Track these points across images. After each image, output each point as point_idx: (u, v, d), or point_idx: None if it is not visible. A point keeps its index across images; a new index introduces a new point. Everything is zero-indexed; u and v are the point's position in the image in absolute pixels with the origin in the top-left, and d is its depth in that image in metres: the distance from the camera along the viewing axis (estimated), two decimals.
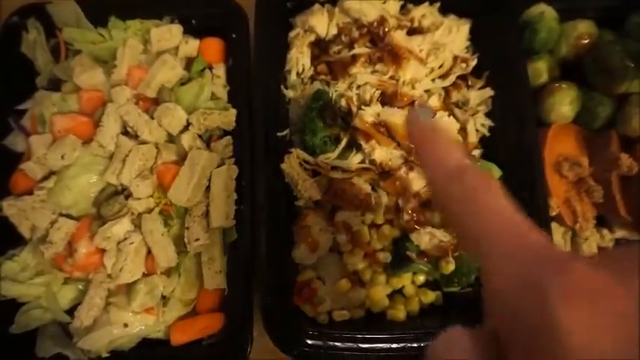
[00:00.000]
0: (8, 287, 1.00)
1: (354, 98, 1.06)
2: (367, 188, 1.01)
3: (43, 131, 1.07)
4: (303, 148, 1.05)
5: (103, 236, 0.99)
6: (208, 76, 1.12)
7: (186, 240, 1.00)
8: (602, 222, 1.12)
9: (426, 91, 1.11)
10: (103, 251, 1.01)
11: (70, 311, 1.00)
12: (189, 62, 1.16)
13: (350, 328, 1.02)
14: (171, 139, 1.08)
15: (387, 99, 1.06)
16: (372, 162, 1.01)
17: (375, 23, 1.10)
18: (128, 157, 1.03)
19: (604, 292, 0.30)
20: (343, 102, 1.05)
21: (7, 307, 1.00)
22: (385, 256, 1.06)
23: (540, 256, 0.35)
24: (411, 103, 1.07)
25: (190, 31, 1.17)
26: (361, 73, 1.06)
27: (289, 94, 1.11)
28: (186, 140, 1.05)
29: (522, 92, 1.07)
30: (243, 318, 0.99)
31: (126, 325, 0.98)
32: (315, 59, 1.13)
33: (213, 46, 1.16)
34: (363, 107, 1.03)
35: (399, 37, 1.07)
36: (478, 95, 1.11)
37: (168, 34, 1.14)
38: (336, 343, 0.95)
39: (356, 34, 1.11)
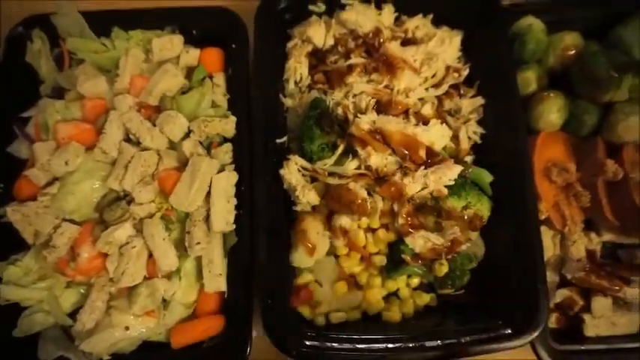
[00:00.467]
0: (11, 291, 1.01)
1: (351, 106, 1.09)
2: (363, 193, 1.04)
3: (47, 138, 1.10)
4: (301, 155, 1.08)
5: (106, 240, 1.01)
6: (209, 84, 1.15)
7: (187, 244, 1.02)
8: (590, 225, 1.16)
9: (420, 99, 1.15)
10: (105, 255, 1.03)
11: (72, 315, 1.01)
12: (190, 71, 1.19)
13: (347, 330, 1.04)
14: (173, 145, 1.11)
15: (382, 107, 1.09)
16: (368, 168, 1.04)
17: (371, 34, 1.14)
18: (130, 163, 1.05)
19: None
20: (340, 110, 1.08)
21: (10, 311, 1.02)
22: (381, 259, 1.09)
23: None
24: (405, 112, 1.11)
25: (191, 41, 1.21)
26: (357, 82, 1.10)
27: (287, 102, 1.15)
28: (187, 147, 1.08)
29: (513, 101, 1.11)
30: (242, 320, 1.01)
31: (127, 328, 1.00)
32: (312, 69, 1.17)
33: (214, 56, 1.19)
34: (359, 115, 1.07)
35: (393, 47, 1.11)
36: (470, 104, 1.15)
37: (169, 44, 1.17)
38: (333, 344, 0.98)
39: (352, 44, 1.15)
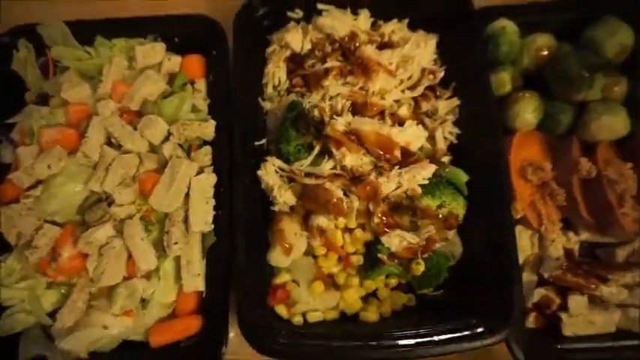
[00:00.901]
0: None
1: (327, 108, 1.11)
2: (339, 193, 1.05)
3: (31, 143, 1.13)
4: (278, 156, 1.10)
5: (86, 241, 1.04)
6: (189, 90, 1.18)
7: (165, 244, 1.04)
8: (568, 225, 1.17)
9: (397, 101, 1.17)
10: (85, 256, 1.05)
11: (53, 314, 1.03)
12: (171, 77, 1.22)
13: (324, 329, 1.05)
14: (153, 149, 1.14)
15: (358, 109, 1.11)
16: (344, 168, 1.06)
17: (347, 38, 1.17)
18: (111, 165, 1.08)
19: None
20: (316, 112, 1.10)
21: None
22: (358, 259, 1.10)
23: None
24: (381, 113, 1.13)
25: (173, 48, 1.24)
26: (333, 85, 1.12)
27: (266, 105, 1.17)
28: (167, 150, 1.10)
29: (487, 101, 1.13)
30: (219, 320, 1.02)
31: (106, 327, 1.01)
32: (290, 73, 1.19)
33: (195, 62, 1.22)
34: (334, 117, 1.09)
35: (369, 50, 1.13)
36: (446, 105, 1.17)
37: (151, 51, 1.20)
38: (307, 342, 0.98)
39: (329, 48, 1.18)
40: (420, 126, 1.13)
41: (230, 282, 1.05)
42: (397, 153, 1.07)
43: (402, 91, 1.16)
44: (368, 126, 1.07)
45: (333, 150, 1.05)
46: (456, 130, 1.16)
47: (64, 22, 1.19)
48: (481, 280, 1.06)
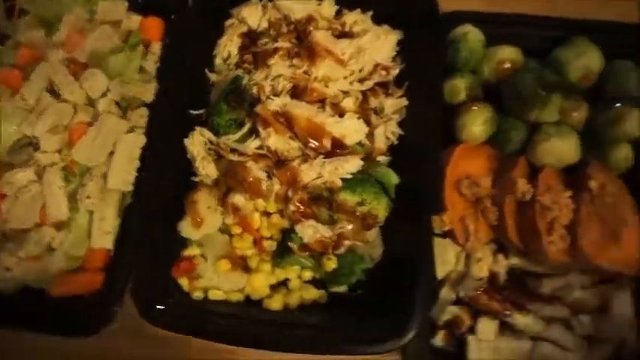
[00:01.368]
0: None
1: (267, 88, 1.09)
2: (259, 173, 1.03)
3: None
4: (210, 129, 1.09)
5: (7, 181, 1.05)
6: (140, 50, 1.18)
7: (78, 196, 1.04)
8: (503, 248, 1.11)
9: (345, 93, 1.13)
10: (3, 196, 1.06)
11: None
12: (129, 37, 1.22)
13: (220, 308, 1.03)
14: (92, 102, 1.14)
15: (299, 93, 1.09)
16: (270, 149, 1.04)
17: (303, 21, 1.14)
18: (45, 111, 1.08)
19: None
20: (255, 89, 1.08)
21: None
22: (270, 244, 1.07)
23: None
24: (322, 101, 1.10)
25: (136, 8, 1.24)
26: (278, 64, 1.10)
27: (212, 77, 1.16)
28: (102, 105, 1.11)
29: (434, 106, 1.09)
30: (121, 279, 1.02)
31: (8, 269, 1.02)
32: (244, 49, 1.17)
33: (154, 25, 1.22)
34: (272, 97, 1.06)
35: (319, 35, 1.10)
36: (394, 104, 1.13)
37: (113, 7, 1.21)
38: (193, 316, 0.97)
39: (285, 29, 1.16)
40: (361, 120, 1.09)
41: (147, 246, 1.04)
42: (327, 143, 1.04)
43: (351, 82, 1.13)
44: (301, 110, 1.04)
45: (260, 129, 1.03)
46: (398, 131, 1.12)
47: None
48: (394, 287, 1.02)
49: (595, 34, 1.12)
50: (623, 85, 1.08)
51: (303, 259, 1.05)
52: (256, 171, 1.03)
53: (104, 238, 1.04)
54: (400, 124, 1.13)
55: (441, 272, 1.09)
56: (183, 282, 1.06)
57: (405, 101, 1.13)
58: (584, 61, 1.08)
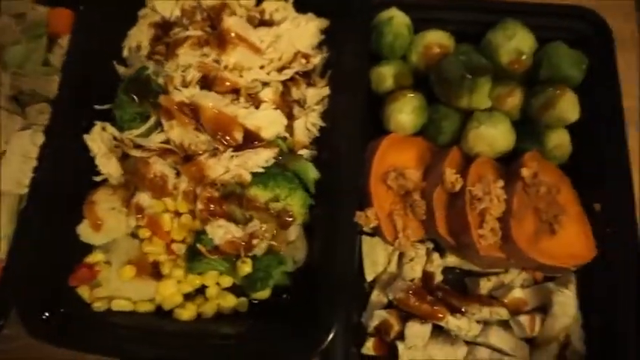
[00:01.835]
0: None
1: (178, 79, 1.01)
2: (164, 170, 0.95)
3: None
4: (113, 124, 1.00)
5: None
6: (42, 42, 1.10)
7: None
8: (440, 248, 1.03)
9: (265, 84, 1.05)
10: None
11: None
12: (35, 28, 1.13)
13: (121, 320, 0.93)
14: None
15: (209, 83, 1.00)
16: (176, 144, 0.95)
17: (216, 8, 1.07)
18: None
19: None
20: (161, 81, 1.00)
21: None
22: (179, 248, 0.98)
23: None
24: (235, 91, 1.02)
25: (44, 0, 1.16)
26: (187, 54, 1.02)
27: (120, 69, 1.08)
28: None
29: (356, 95, 1.01)
30: (7, 291, 0.91)
31: None
32: (157, 40, 1.09)
33: (62, 17, 1.14)
34: (178, 88, 0.98)
35: (231, 22, 1.02)
36: (315, 94, 1.05)
37: None
38: (87, 330, 0.87)
39: (198, 17, 1.08)
40: (278, 111, 1.01)
41: (39, 252, 0.94)
42: (238, 135, 0.96)
43: (268, 72, 1.05)
44: (208, 101, 0.96)
45: (163, 121, 0.95)
46: (319, 123, 1.04)
47: None
48: (311, 293, 0.93)
49: (528, 17, 1.06)
50: (557, 68, 1.01)
51: (215, 262, 0.96)
52: (160, 167, 0.94)
53: None
54: (323, 116, 1.05)
55: (370, 273, 1.01)
56: (84, 292, 0.96)
57: (327, 91, 1.05)
58: (515, 43, 1.01)
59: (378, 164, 1.01)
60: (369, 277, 1.01)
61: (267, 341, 0.91)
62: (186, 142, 0.95)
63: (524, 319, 0.94)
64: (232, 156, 0.93)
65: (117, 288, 0.96)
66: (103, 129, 0.99)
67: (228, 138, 0.95)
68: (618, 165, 0.99)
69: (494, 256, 0.93)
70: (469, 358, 0.93)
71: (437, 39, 1.06)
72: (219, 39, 1.01)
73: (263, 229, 0.93)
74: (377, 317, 0.96)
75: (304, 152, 1.03)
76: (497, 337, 0.93)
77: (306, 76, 1.08)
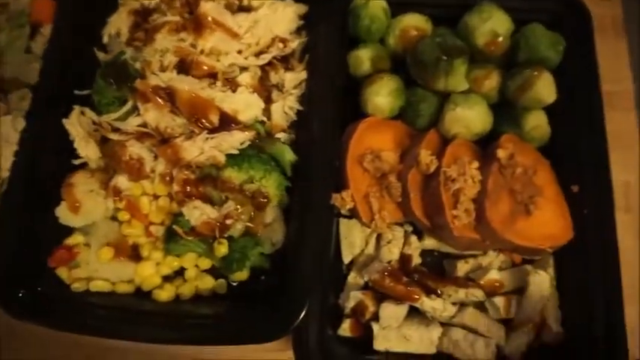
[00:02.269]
0: None
1: (155, 64, 1.02)
2: (141, 152, 0.96)
3: None
4: (94, 108, 1.01)
5: None
6: (25, 31, 1.12)
7: None
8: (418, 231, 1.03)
9: (242, 69, 1.06)
10: None
11: None
12: (18, 17, 1.15)
13: (100, 300, 0.95)
14: None
15: (186, 67, 1.01)
16: (152, 127, 0.96)
17: None
18: None
19: None
20: (138, 65, 1.01)
21: None
22: (157, 230, 0.99)
23: None
24: (212, 75, 1.02)
25: None
26: (164, 38, 1.03)
27: (100, 55, 1.09)
28: None
29: (332, 78, 1.01)
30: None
31: None
32: (137, 27, 1.10)
33: (45, 6, 1.15)
34: (157, 72, 0.99)
35: (207, 6, 1.03)
36: (293, 78, 1.06)
37: None
38: (62, 308, 0.88)
39: (177, 3, 1.08)
40: (255, 95, 1.02)
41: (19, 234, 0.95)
42: (213, 118, 0.97)
43: (246, 57, 1.05)
44: (185, 85, 0.97)
45: (139, 104, 0.96)
46: (297, 106, 1.04)
47: None
48: (287, 275, 0.93)
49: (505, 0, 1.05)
50: (534, 49, 1.00)
51: (192, 244, 0.97)
52: (137, 150, 0.95)
53: None
54: (301, 100, 1.05)
55: (347, 255, 1.01)
56: (63, 273, 0.97)
57: (304, 75, 1.05)
58: (490, 25, 1.01)
59: (355, 147, 1.01)
60: (346, 259, 1.01)
61: (242, 322, 0.92)
62: (163, 125, 0.96)
63: (499, 300, 0.94)
64: (207, 138, 0.94)
65: (95, 269, 0.97)
66: (82, 113, 1.00)
67: (204, 121, 0.95)
68: (596, 147, 0.98)
69: (469, 237, 0.93)
70: (444, 338, 0.93)
71: (414, 22, 1.06)
72: (195, 23, 1.02)
73: (238, 210, 0.93)
74: (353, 298, 0.96)
75: (282, 135, 1.03)
76: (473, 319, 0.93)
77: (285, 61, 1.09)
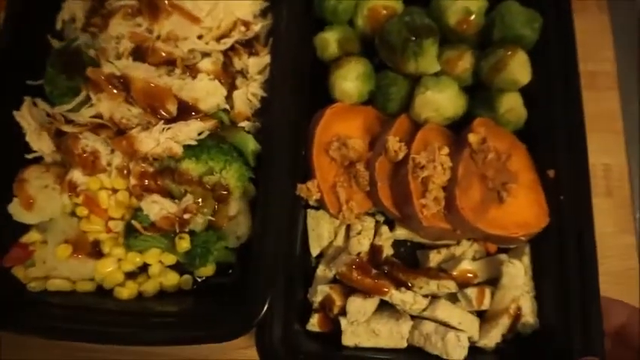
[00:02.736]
0: None
1: (110, 51, 0.97)
2: (96, 145, 0.92)
3: None
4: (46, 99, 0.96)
5: None
6: None
7: None
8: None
9: (204, 55, 1.01)
10: None
11: None
12: None
13: (68, 301, 0.91)
14: None
15: (142, 54, 0.96)
16: (106, 117, 0.92)
17: None
18: None
19: None
20: (93, 53, 0.96)
21: None
22: (115, 225, 0.95)
23: None
24: (171, 62, 0.97)
25: None
26: (118, 24, 0.97)
27: (54, 43, 1.04)
28: None
29: (297, 63, 0.97)
30: None
31: None
32: (94, 11, 1.05)
33: None
34: (112, 60, 0.94)
35: None
36: (256, 63, 1.01)
37: None
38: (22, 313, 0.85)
39: None
40: (216, 82, 0.97)
41: None
42: (171, 107, 0.92)
43: (207, 42, 1.00)
44: (140, 72, 0.92)
45: (91, 94, 0.91)
46: (260, 93, 0.99)
47: None
48: (250, 270, 0.89)
49: None
50: (509, 27, 0.95)
51: (153, 239, 0.93)
52: (91, 142, 0.91)
53: None
54: (265, 86, 1.00)
55: (315, 248, 0.98)
56: (18, 272, 0.93)
57: (267, 59, 1.00)
58: (462, 3, 0.96)
59: (322, 134, 0.97)
60: (314, 252, 0.97)
61: (207, 318, 0.88)
62: (117, 115, 0.91)
63: (471, 291, 0.90)
64: (164, 129, 0.89)
65: (54, 267, 0.94)
66: (35, 104, 0.95)
67: (161, 111, 0.91)
68: (573, 130, 0.93)
69: (439, 227, 0.89)
70: (414, 332, 0.90)
71: (383, 1, 1.01)
72: (150, 7, 0.97)
73: (198, 203, 0.89)
74: (320, 293, 0.92)
75: (245, 124, 0.99)
76: (445, 311, 0.90)
77: (248, 45, 1.04)
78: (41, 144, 0.93)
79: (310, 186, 0.93)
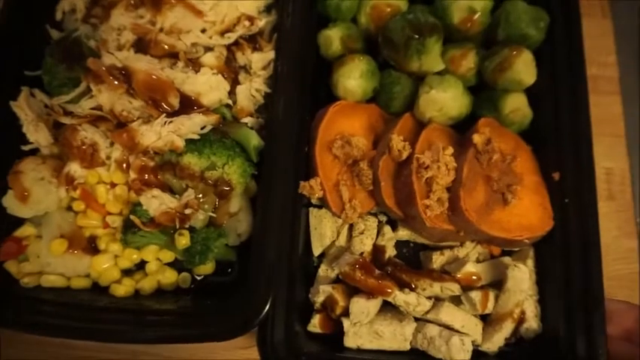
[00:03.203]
0: None
1: (111, 42, 0.95)
2: (95, 137, 0.90)
3: None
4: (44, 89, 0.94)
5: None
6: None
7: None
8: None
9: (208, 49, 0.99)
10: None
11: None
12: None
13: (62, 298, 0.89)
14: None
15: (145, 46, 0.95)
16: (105, 109, 0.90)
17: None
18: None
19: None
20: (93, 44, 0.94)
21: None
22: (113, 220, 0.93)
23: None
24: (174, 55, 0.96)
25: None
26: (120, 15, 0.96)
27: (54, 34, 1.01)
28: None
29: (300, 59, 0.95)
30: None
31: None
32: (95, 2, 1.03)
33: None
34: (113, 51, 0.92)
35: None
36: (260, 58, 0.99)
37: None
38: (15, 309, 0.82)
39: None
40: (219, 76, 0.95)
41: None
42: (173, 101, 0.91)
43: (210, 36, 0.99)
44: (142, 64, 0.90)
45: (91, 86, 0.89)
46: (264, 88, 0.98)
47: None
48: (250, 268, 0.87)
49: None
50: (515, 26, 0.94)
51: (152, 235, 0.91)
52: (90, 134, 0.89)
53: None
54: (268, 82, 0.99)
55: (317, 247, 0.96)
56: (11, 267, 0.91)
57: (271, 55, 0.99)
58: (466, 1, 0.95)
59: (325, 132, 0.95)
60: (316, 251, 0.95)
61: (206, 316, 0.86)
62: (118, 107, 0.89)
63: (475, 294, 0.89)
64: (165, 122, 0.88)
65: (48, 263, 0.91)
66: (32, 95, 0.93)
67: (163, 103, 0.89)
68: (579, 132, 0.93)
69: (443, 228, 0.88)
70: (418, 335, 0.88)
71: None
72: None
73: (199, 199, 0.87)
74: (322, 293, 0.91)
75: (248, 120, 0.97)
76: (448, 314, 0.88)
77: (252, 41, 1.02)
78: (38, 135, 0.91)
79: (313, 184, 0.91)
